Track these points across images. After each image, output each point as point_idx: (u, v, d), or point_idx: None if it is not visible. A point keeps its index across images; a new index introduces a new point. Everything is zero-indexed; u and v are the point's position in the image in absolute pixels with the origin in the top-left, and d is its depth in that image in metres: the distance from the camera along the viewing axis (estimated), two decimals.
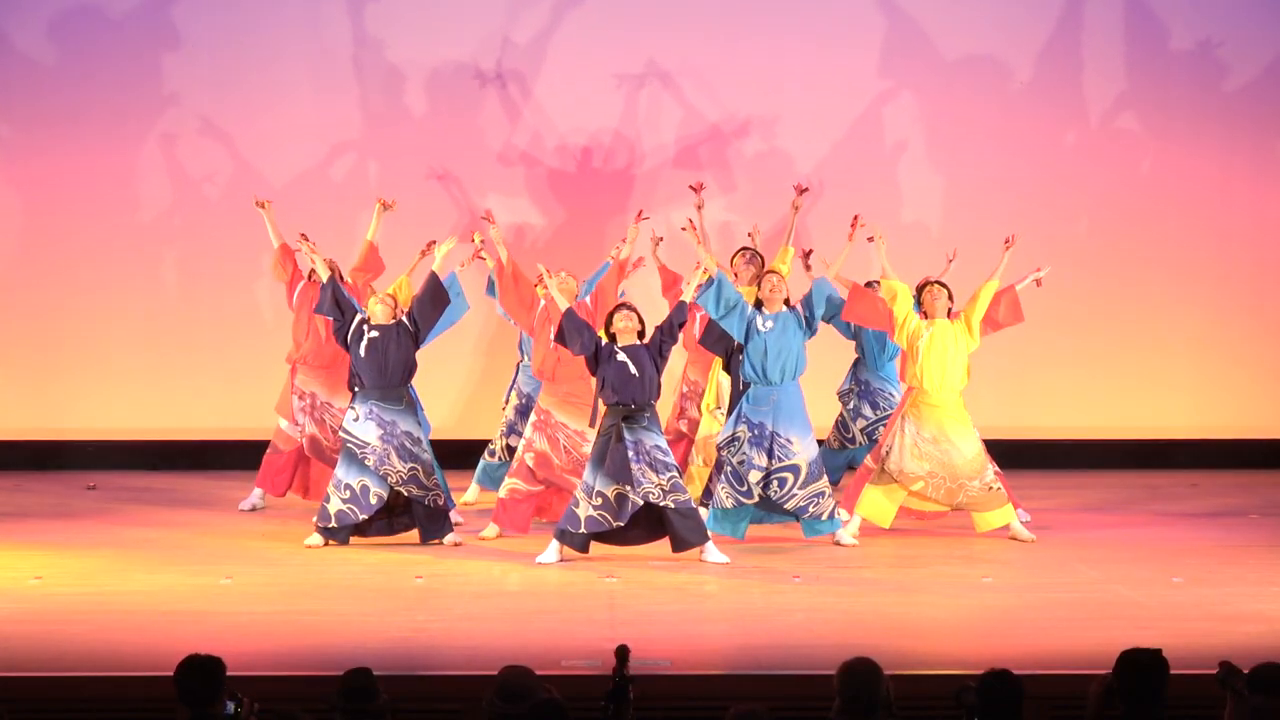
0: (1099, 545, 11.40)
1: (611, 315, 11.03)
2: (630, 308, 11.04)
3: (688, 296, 11.13)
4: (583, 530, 10.78)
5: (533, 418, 11.74)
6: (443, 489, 11.42)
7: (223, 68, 14.59)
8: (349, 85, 14.61)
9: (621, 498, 10.75)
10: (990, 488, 11.53)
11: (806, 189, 13.16)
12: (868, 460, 11.95)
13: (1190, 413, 14.92)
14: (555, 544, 10.84)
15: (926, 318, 11.62)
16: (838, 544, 11.32)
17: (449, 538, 11.34)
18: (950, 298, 11.67)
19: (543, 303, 11.73)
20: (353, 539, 11.29)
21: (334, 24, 14.58)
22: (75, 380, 14.67)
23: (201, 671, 6.36)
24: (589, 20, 14.61)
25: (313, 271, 12.11)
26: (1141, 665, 6.33)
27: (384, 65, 14.59)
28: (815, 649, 8.66)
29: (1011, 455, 13.54)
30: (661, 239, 12.65)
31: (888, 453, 11.57)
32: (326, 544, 11.22)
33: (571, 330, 10.88)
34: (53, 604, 9.63)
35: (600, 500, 10.76)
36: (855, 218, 11.83)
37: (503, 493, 11.71)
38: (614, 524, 10.80)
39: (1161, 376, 14.91)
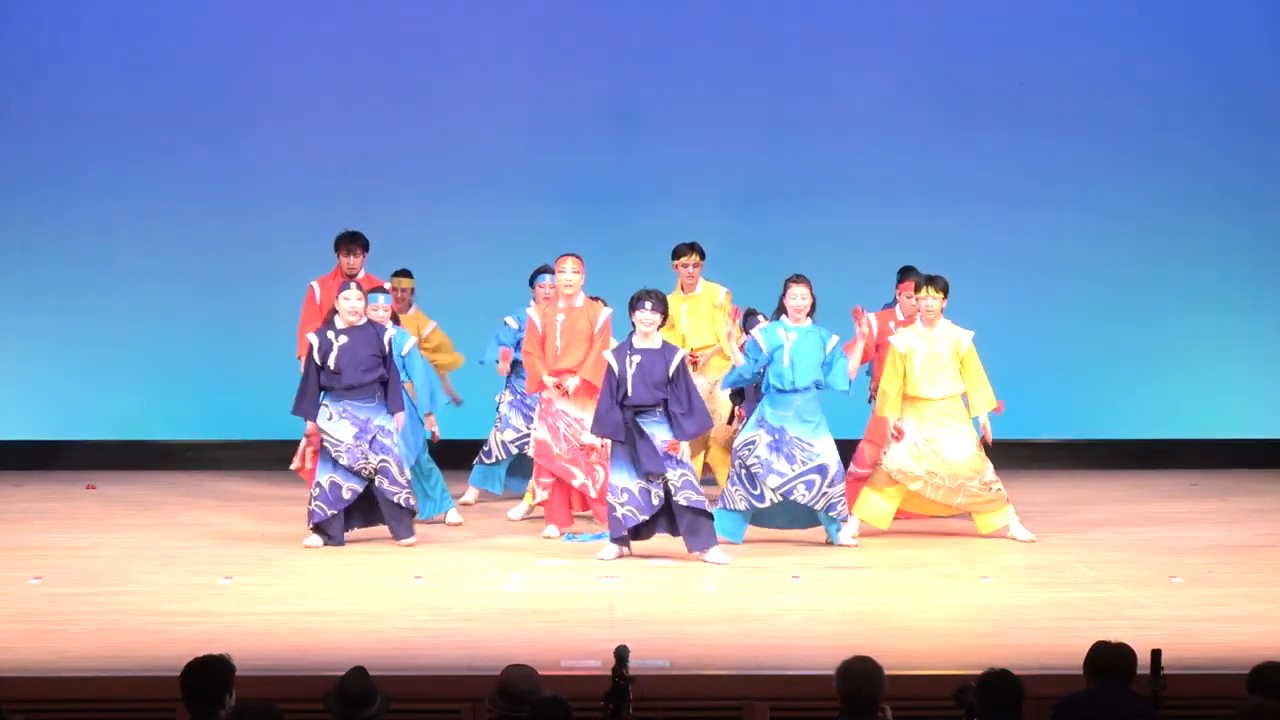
0: (1099, 545, 11.39)
1: (634, 307, 10.97)
2: (655, 303, 10.94)
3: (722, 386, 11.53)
4: (625, 532, 10.87)
5: (536, 407, 11.75)
6: (414, 491, 11.41)
7: (225, 70, 14.61)
8: (363, 83, 14.66)
9: (644, 490, 10.80)
10: (990, 487, 11.52)
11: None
12: (865, 456, 11.96)
13: (1190, 413, 14.92)
14: (612, 545, 10.92)
15: (912, 320, 11.63)
16: (838, 545, 11.31)
17: (407, 540, 11.28)
18: (945, 291, 11.52)
19: (537, 323, 11.69)
20: (346, 536, 11.27)
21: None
22: (75, 380, 14.67)
23: (209, 671, 6.34)
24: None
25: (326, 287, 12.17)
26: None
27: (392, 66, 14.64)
28: (815, 649, 8.66)
29: (1012, 455, 13.55)
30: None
31: (886, 452, 11.55)
32: (326, 544, 11.19)
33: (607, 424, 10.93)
34: (53, 604, 9.63)
35: (626, 496, 10.83)
36: (857, 311, 11.58)
37: (543, 493, 11.71)
38: (641, 516, 10.84)
39: (1161, 376, 14.91)
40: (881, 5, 14.80)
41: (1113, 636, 6.89)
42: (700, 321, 12.66)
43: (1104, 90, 14.82)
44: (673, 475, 10.78)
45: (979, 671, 6.46)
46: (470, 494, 12.91)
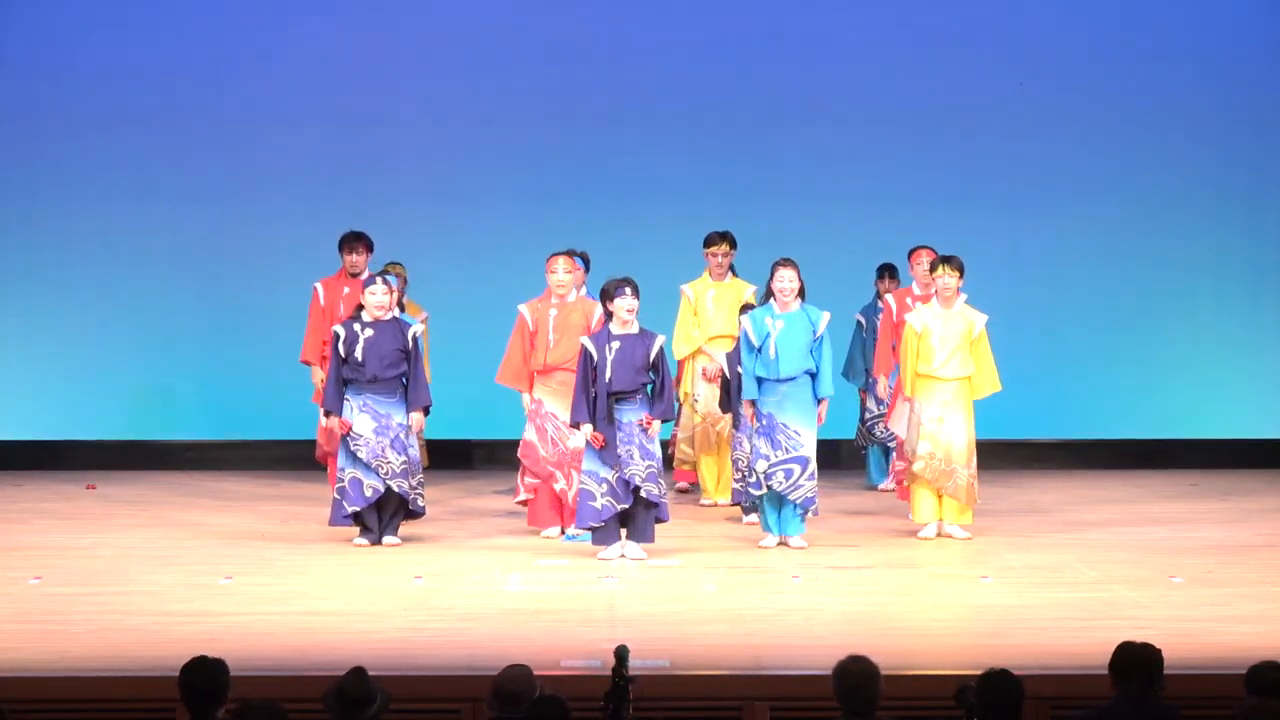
0: (1099, 545, 11.40)
1: (613, 295, 10.97)
2: (634, 288, 10.95)
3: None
4: (604, 521, 10.81)
5: (527, 407, 11.75)
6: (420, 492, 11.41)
7: (224, 71, 14.62)
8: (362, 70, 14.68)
9: (621, 480, 10.79)
10: (972, 485, 11.48)
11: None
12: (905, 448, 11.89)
13: (1190, 413, 14.92)
14: (617, 543, 10.89)
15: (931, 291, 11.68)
16: (785, 545, 11.23)
17: (391, 540, 11.28)
18: (960, 270, 11.50)
19: (528, 318, 11.67)
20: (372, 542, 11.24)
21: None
22: (75, 380, 14.67)
23: (204, 672, 6.34)
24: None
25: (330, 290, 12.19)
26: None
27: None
28: (815, 649, 8.65)
29: (1012, 455, 13.54)
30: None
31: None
32: (373, 544, 11.16)
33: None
34: (53, 604, 9.63)
35: (606, 487, 10.82)
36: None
37: (526, 494, 11.69)
38: (620, 506, 10.83)
39: (1161, 377, 14.91)
40: (881, 5, 14.81)
41: (1112, 636, 6.89)
42: (726, 312, 12.67)
43: (1104, 91, 14.83)
44: (640, 467, 10.79)
45: (979, 671, 6.46)
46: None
